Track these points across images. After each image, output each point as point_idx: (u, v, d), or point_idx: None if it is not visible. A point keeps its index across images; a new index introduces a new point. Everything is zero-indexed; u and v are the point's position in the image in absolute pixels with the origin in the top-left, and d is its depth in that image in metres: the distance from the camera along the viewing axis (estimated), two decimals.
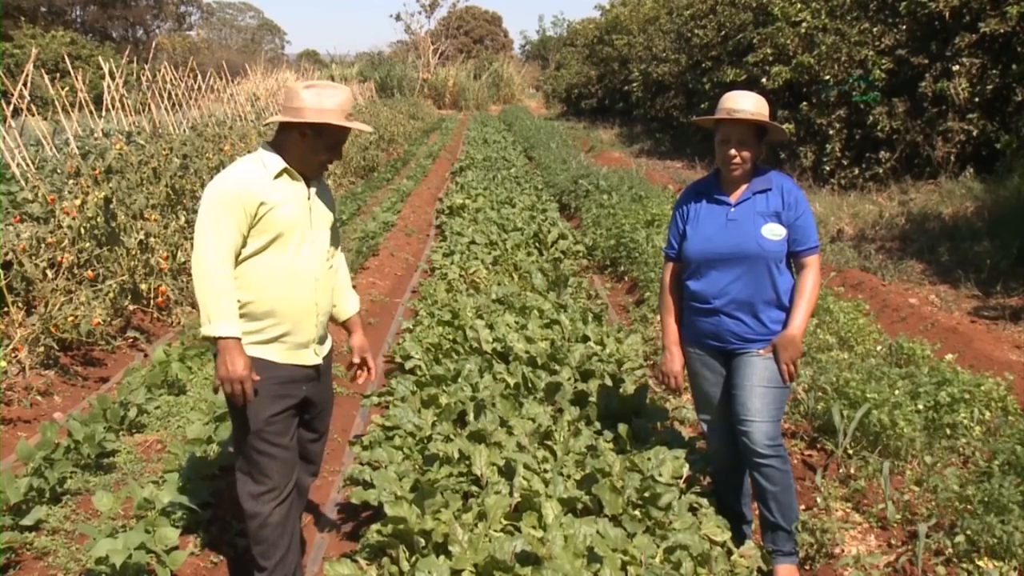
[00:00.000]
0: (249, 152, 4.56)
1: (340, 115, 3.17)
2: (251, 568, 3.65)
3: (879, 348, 6.09)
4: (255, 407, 3.19)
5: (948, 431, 4.72)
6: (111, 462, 4.84)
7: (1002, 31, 11.06)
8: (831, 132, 13.60)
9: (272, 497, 3.28)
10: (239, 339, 3.09)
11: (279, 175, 3.19)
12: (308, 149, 3.20)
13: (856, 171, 13.41)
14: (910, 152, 12.90)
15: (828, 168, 13.68)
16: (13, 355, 5.86)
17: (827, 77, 13.46)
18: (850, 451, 4.72)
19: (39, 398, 5.75)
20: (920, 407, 4.77)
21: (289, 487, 3.35)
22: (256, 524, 3.29)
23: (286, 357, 3.28)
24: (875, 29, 13.24)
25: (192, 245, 3.45)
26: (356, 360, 3.66)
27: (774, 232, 3.51)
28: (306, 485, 3.67)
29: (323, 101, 3.14)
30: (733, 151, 3.54)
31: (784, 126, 13.89)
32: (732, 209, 3.59)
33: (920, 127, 12.62)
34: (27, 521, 3.98)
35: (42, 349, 6.13)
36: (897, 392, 4.85)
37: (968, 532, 3.73)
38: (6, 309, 6.15)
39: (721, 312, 3.60)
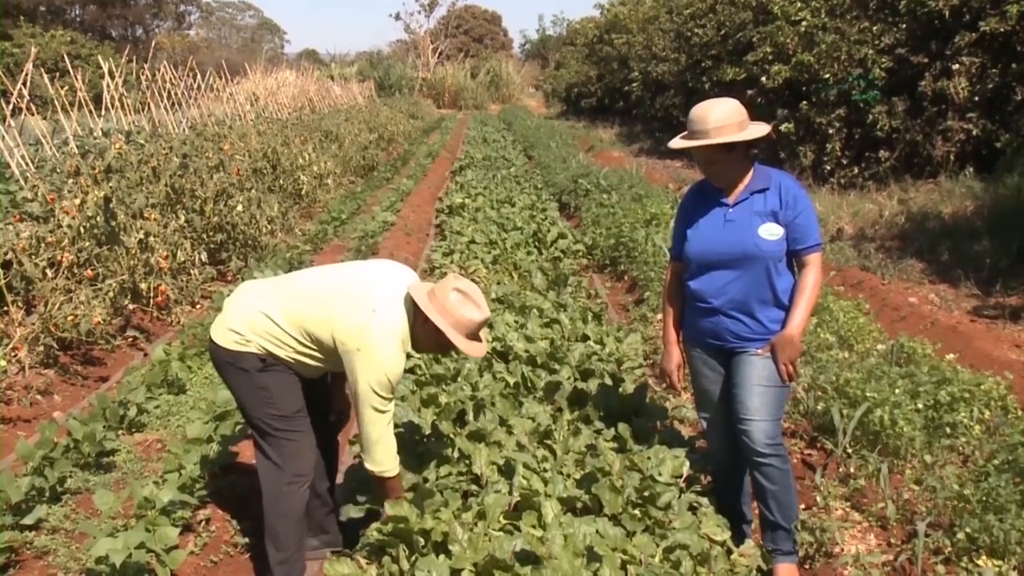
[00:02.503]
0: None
1: (466, 332, 3.44)
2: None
3: (879, 347, 6.09)
4: (285, 397, 3.51)
5: (948, 430, 4.73)
6: (111, 461, 4.85)
7: (1002, 30, 11.05)
8: (831, 131, 13.59)
9: (303, 481, 3.59)
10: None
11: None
12: (426, 337, 3.47)
13: (856, 170, 13.41)
14: (910, 151, 12.90)
15: (828, 167, 13.68)
16: (13, 354, 5.86)
17: (827, 76, 13.45)
18: (850, 450, 4.73)
19: (39, 397, 5.75)
20: (920, 406, 4.77)
21: (312, 472, 3.66)
22: (283, 509, 3.57)
23: None
24: (875, 28, 13.23)
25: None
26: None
27: (771, 232, 3.50)
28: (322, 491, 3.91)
29: (461, 312, 3.41)
30: (703, 168, 3.62)
31: (783, 125, 14.00)
32: (730, 209, 3.58)
33: (920, 126, 12.61)
34: (28, 520, 3.99)
35: (42, 348, 6.13)
36: (897, 391, 4.85)
37: (967, 531, 3.74)
38: (6, 308, 6.15)
39: (720, 312, 3.60)
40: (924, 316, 7.31)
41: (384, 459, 3.46)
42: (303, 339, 3.43)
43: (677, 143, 3.61)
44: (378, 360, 3.30)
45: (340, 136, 18.94)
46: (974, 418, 4.78)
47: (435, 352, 3.73)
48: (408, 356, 3.56)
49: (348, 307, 3.36)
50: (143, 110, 12.51)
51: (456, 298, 3.41)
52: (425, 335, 3.45)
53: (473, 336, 3.51)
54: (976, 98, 11.88)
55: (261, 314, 3.44)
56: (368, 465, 3.48)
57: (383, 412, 3.39)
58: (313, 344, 3.44)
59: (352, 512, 3.83)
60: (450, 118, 40.29)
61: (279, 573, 3.61)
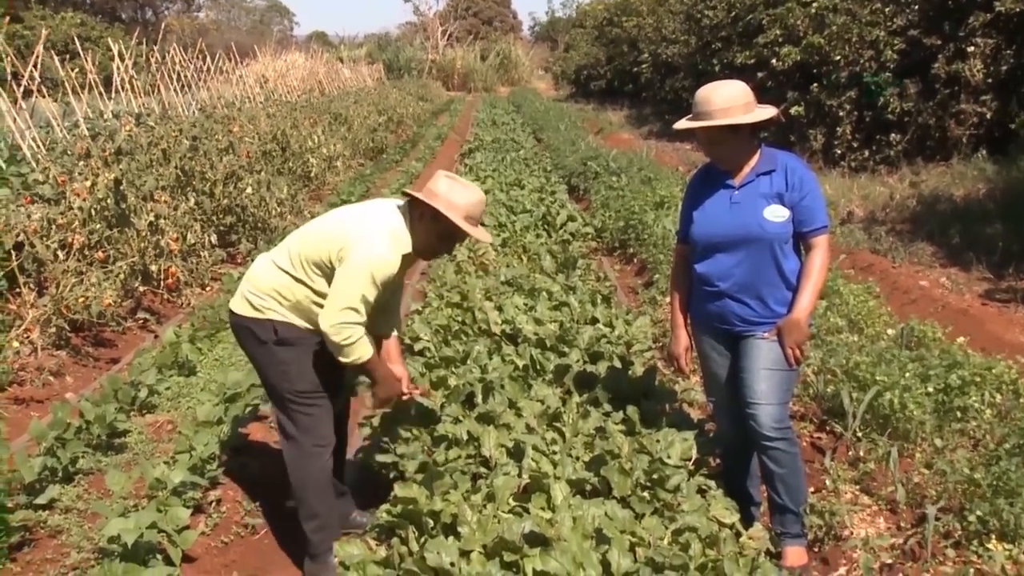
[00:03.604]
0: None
1: (461, 213, 3.43)
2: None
3: (889, 331, 6.06)
4: (303, 372, 3.55)
5: (958, 414, 4.70)
6: (122, 442, 4.88)
7: (1018, 10, 10.93)
8: (841, 114, 13.50)
9: (324, 450, 3.64)
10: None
11: (405, 255, 3.49)
12: (424, 231, 3.50)
13: (866, 153, 13.32)
14: (922, 134, 12.80)
15: (838, 150, 13.59)
16: (25, 336, 5.89)
17: (838, 58, 13.34)
18: (859, 434, 4.72)
19: (51, 378, 5.78)
20: (930, 390, 4.75)
21: (333, 439, 3.73)
22: (309, 478, 3.62)
23: None
24: (887, 9, 13.10)
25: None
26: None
27: (776, 214, 3.48)
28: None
29: (453, 194, 3.43)
30: (708, 150, 3.62)
31: (793, 108, 13.92)
32: (736, 192, 3.56)
33: (932, 109, 12.51)
34: (41, 500, 4.02)
35: (54, 330, 6.15)
36: (907, 375, 4.82)
37: (978, 515, 3.73)
38: (18, 290, 6.17)
39: (726, 295, 3.59)
40: (935, 299, 7.27)
41: (357, 351, 3.39)
42: (308, 277, 3.47)
43: (682, 124, 3.59)
44: (371, 245, 3.36)
45: (349, 118, 18.91)
46: (985, 402, 4.75)
47: (438, 249, 3.67)
48: (405, 260, 3.52)
49: (348, 223, 3.48)
50: (153, 92, 12.51)
51: (446, 183, 3.46)
52: (424, 229, 3.49)
53: (474, 221, 3.52)
54: (990, 80, 11.77)
55: (272, 264, 3.55)
56: (343, 359, 3.42)
57: (357, 315, 3.34)
58: (319, 272, 3.46)
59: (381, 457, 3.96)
60: (459, 100, 40.18)
61: (316, 540, 3.65)
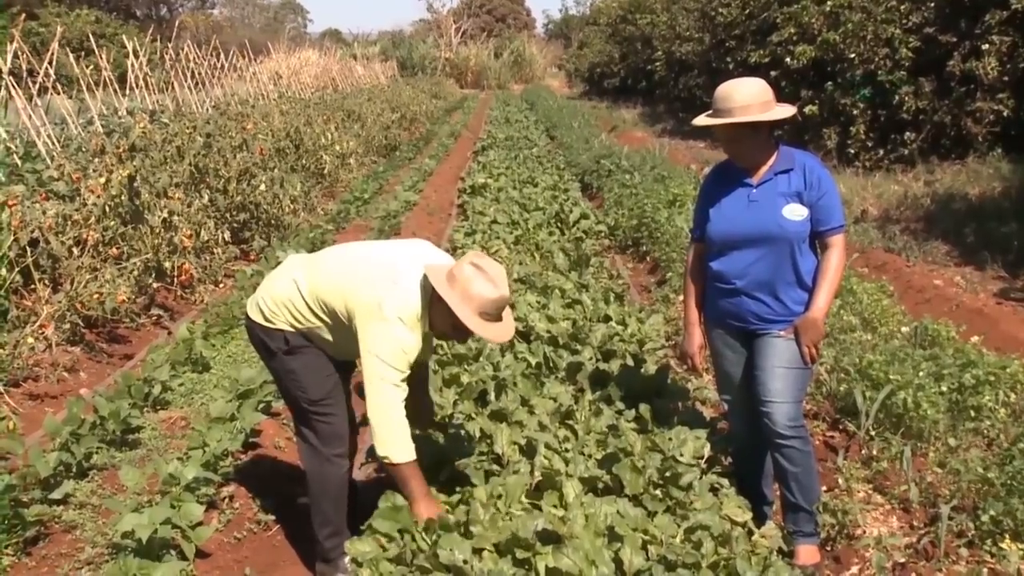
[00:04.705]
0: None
1: (475, 307, 3.19)
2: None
3: (903, 329, 6.03)
4: (314, 380, 3.49)
5: (972, 413, 4.68)
6: (136, 438, 4.90)
7: None
8: (855, 112, 13.44)
9: (343, 461, 3.59)
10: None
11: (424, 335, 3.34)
12: (440, 315, 3.26)
13: (881, 152, 13.26)
14: (937, 132, 12.73)
15: (853, 149, 13.53)
16: (40, 332, 5.91)
17: (852, 55, 13.27)
18: (872, 432, 4.70)
19: (65, 374, 5.81)
20: (944, 389, 4.73)
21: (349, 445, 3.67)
22: (326, 487, 3.57)
23: None
24: (903, 6, 13.03)
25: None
26: None
27: (795, 212, 3.49)
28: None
29: (473, 285, 3.18)
30: (727, 147, 3.61)
31: (807, 107, 13.86)
32: (754, 190, 3.56)
33: (948, 107, 12.43)
34: (55, 495, 4.04)
35: (68, 326, 6.18)
36: (921, 374, 4.80)
37: (991, 514, 3.71)
38: (33, 286, 6.21)
39: (743, 293, 3.59)
40: (949, 298, 7.23)
41: (389, 441, 3.22)
42: (319, 311, 3.37)
43: (701, 120, 3.59)
44: (386, 332, 3.17)
45: (362, 116, 18.94)
46: (999, 401, 4.73)
47: (453, 337, 3.49)
48: (428, 338, 3.41)
49: (367, 280, 3.28)
50: (167, 89, 12.57)
51: (469, 272, 3.20)
52: (439, 315, 3.26)
53: (491, 317, 3.26)
54: (1006, 78, 11.68)
55: (291, 280, 3.42)
56: (377, 449, 3.28)
57: (387, 385, 3.19)
58: (328, 317, 3.36)
59: None
60: (472, 98, 40.16)
61: (330, 545, 3.62)
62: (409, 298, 3.24)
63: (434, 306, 3.25)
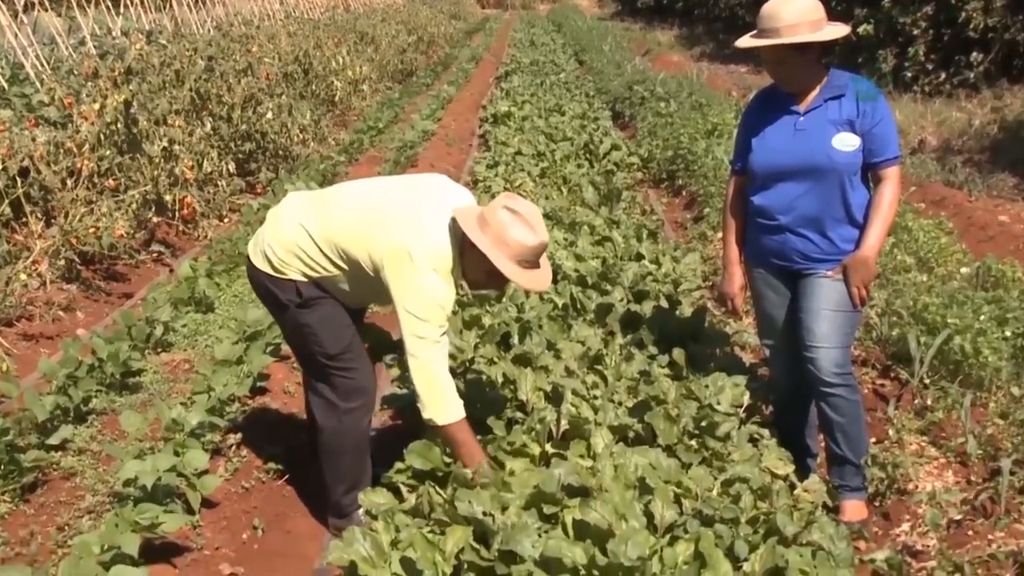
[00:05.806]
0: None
1: (512, 255, 3.15)
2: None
3: (963, 270, 5.96)
4: (331, 333, 3.42)
5: None
6: (137, 382, 4.95)
7: None
8: (916, 32, 13.12)
9: (361, 415, 3.54)
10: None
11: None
12: (473, 263, 3.24)
13: (943, 76, 12.97)
14: (1008, 52, 12.41)
15: (911, 73, 13.25)
16: (33, 268, 5.95)
17: None
18: (927, 381, 4.66)
19: (61, 313, 5.86)
20: (1008, 334, 4.68)
21: (373, 402, 3.65)
22: (343, 445, 3.53)
23: None
24: None
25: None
26: None
27: (846, 142, 3.42)
28: None
29: (508, 231, 3.13)
30: (772, 71, 3.54)
31: (861, 27, 13.54)
32: (801, 118, 3.50)
33: (1022, 23, 12.10)
34: (53, 440, 4.09)
35: (63, 262, 6.22)
36: (982, 318, 4.75)
37: None
38: (24, 220, 6.24)
39: (788, 229, 3.55)
40: (1016, 236, 7.11)
41: (435, 402, 3.18)
42: (337, 259, 3.29)
43: (745, 42, 3.53)
44: (418, 283, 3.13)
45: (376, 38, 18.78)
46: None
47: (487, 286, 3.47)
48: (460, 288, 3.35)
49: (390, 226, 3.20)
50: (164, 8, 12.47)
51: (505, 216, 3.16)
52: (472, 263, 3.23)
53: (529, 264, 3.22)
54: None
55: (300, 226, 3.31)
56: (422, 412, 3.22)
57: (426, 342, 3.14)
58: (347, 265, 3.29)
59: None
60: (495, 19, 39.71)
61: (347, 501, 3.60)
62: (438, 245, 3.19)
63: (466, 253, 3.22)
